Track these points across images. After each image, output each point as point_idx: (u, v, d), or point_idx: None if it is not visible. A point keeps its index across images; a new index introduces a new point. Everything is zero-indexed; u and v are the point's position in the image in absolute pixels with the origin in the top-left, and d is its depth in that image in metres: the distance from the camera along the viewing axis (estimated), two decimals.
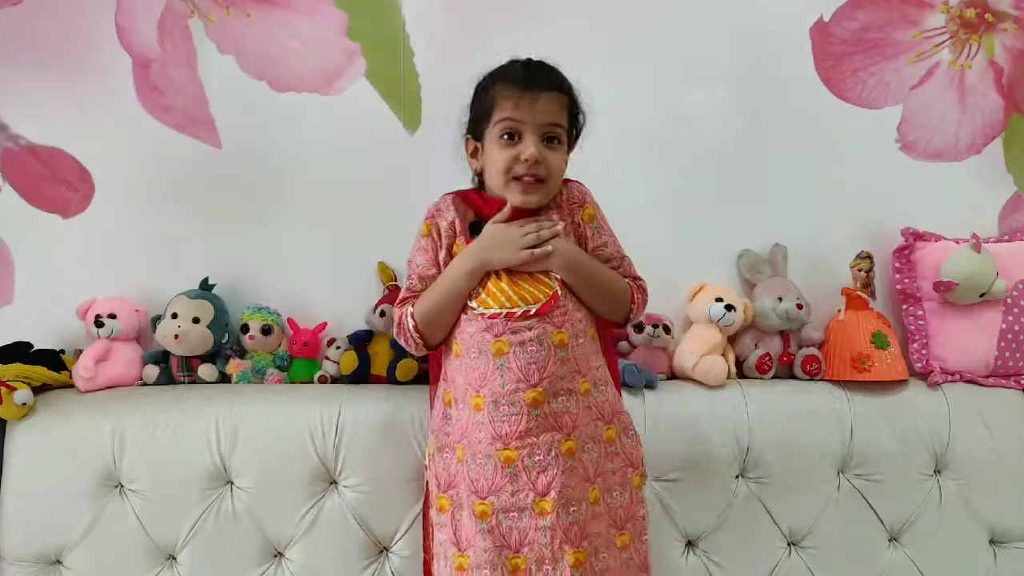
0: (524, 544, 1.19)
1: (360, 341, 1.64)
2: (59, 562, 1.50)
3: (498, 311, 1.21)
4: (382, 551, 1.54)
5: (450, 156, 1.69)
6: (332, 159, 1.70)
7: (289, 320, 1.68)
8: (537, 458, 1.19)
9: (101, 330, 1.59)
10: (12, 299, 1.67)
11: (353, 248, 1.70)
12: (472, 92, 1.30)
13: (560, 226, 1.25)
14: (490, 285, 1.23)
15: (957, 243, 1.73)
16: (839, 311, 1.73)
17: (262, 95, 1.67)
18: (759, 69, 1.76)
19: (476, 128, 1.29)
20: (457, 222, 1.29)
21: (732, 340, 1.72)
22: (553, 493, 1.19)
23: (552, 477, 1.19)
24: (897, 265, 1.77)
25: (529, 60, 1.27)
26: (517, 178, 1.22)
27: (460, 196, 1.33)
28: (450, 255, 1.29)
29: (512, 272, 1.23)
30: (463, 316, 1.25)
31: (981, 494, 1.64)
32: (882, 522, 1.63)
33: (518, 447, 1.19)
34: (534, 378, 1.19)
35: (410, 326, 1.27)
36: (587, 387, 1.24)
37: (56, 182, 1.66)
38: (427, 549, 1.34)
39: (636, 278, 1.34)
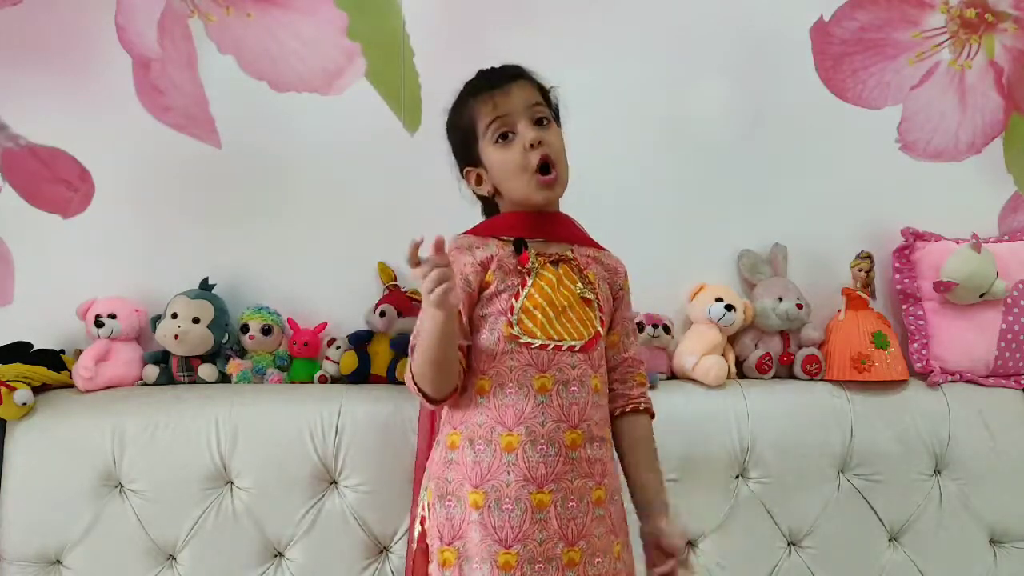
0: None
1: (360, 341, 1.64)
2: (59, 562, 1.50)
3: (545, 342, 1.16)
4: (382, 551, 1.54)
5: (450, 156, 1.69)
6: (332, 159, 1.70)
7: (289, 320, 1.68)
8: (570, 504, 1.14)
9: (101, 330, 1.59)
10: (12, 299, 1.67)
11: (353, 248, 1.70)
12: (448, 131, 1.28)
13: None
14: (538, 315, 1.17)
15: (957, 243, 1.73)
16: (839, 311, 1.73)
17: (262, 95, 1.67)
18: (759, 69, 1.76)
19: (468, 154, 1.25)
20: (485, 255, 1.19)
21: (732, 340, 1.72)
22: (583, 543, 1.13)
23: (582, 526, 1.14)
24: (897, 265, 1.77)
25: (482, 69, 1.27)
26: (538, 172, 1.18)
27: (477, 233, 1.26)
28: (476, 291, 1.19)
29: (560, 301, 1.18)
30: (500, 348, 1.17)
31: (981, 494, 1.64)
32: (882, 522, 1.63)
33: (553, 491, 1.13)
34: (575, 419, 1.15)
35: (413, 387, 1.16)
36: (610, 435, 1.22)
37: (56, 182, 1.66)
38: None
39: (642, 363, 1.31)
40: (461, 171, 1.28)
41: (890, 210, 1.78)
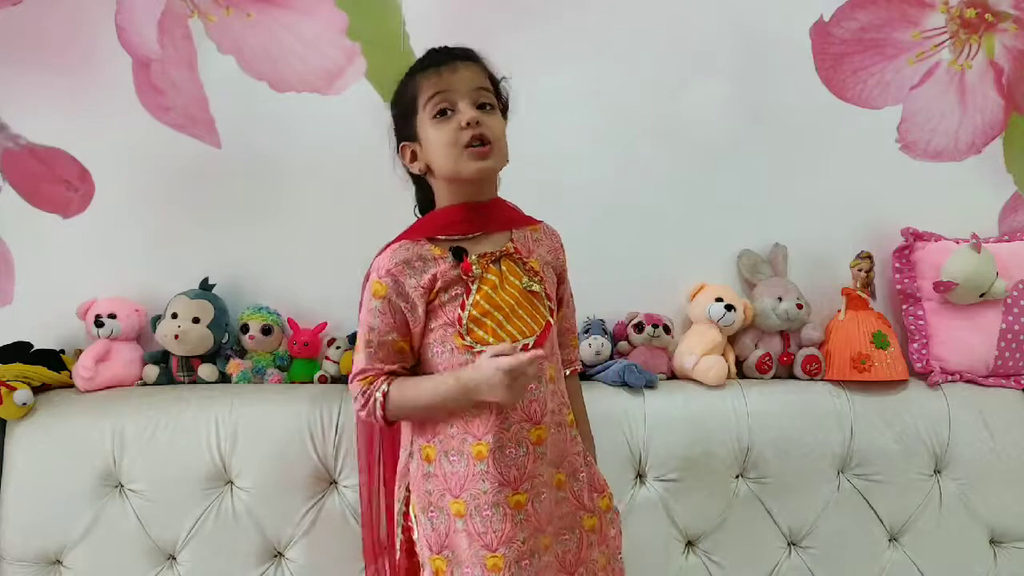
0: None
1: None
2: (59, 562, 1.50)
3: None
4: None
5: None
6: (332, 159, 1.70)
7: (289, 320, 1.68)
8: (542, 496, 1.17)
9: (101, 330, 1.59)
10: (12, 299, 1.67)
11: (353, 248, 1.69)
12: (391, 106, 1.26)
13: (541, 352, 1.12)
14: (488, 321, 1.16)
15: (957, 243, 1.73)
16: (839, 311, 1.73)
17: (262, 95, 1.67)
18: (759, 69, 1.76)
19: (406, 128, 1.22)
20: (427, 276, 1.17)
21: (732, 340, 1.72)
22: (550, 528, 1.18)
23: (550, 512, 1.18)
24: (897, 265, 1.77)
25: (435, 46, 1.23)
26: (467, 146, 1.14)
27: (412, 236, 1.22)
28: (427, 311, 1.17)
29: (508, 300, 1.17)
30: (455, 360, 1.16)
31: (981, 494, 1.64)
32: (882, 522, 1.63)
33: (527, 489, 1.15)
34: (537, 416, 1.16)
35: (378, 413, 1.15)
36: (571, 418, 1.24)
37: (56, 182, 1.66)
38: None
39: (576, 331, 1.39)
40: (398, 146, 1.25)
41: (890, 210, 1.78)
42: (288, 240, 1.70)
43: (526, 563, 1.14)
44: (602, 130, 1.63)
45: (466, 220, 1.20)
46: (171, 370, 1.63)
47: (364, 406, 1.16)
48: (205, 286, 1.66)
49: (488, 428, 1.15)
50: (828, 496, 1.61)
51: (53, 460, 1.50)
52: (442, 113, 1.16)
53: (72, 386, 1.59)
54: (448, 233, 1.20)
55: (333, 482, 1.54)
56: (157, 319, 1.63)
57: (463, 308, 1.16)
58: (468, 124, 1.14)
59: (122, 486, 1.51)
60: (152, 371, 1.62)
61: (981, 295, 1.71)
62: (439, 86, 1.16)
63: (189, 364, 1.62)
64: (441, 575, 1.17)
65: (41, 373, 1.56)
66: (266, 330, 1.64)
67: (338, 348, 1.65)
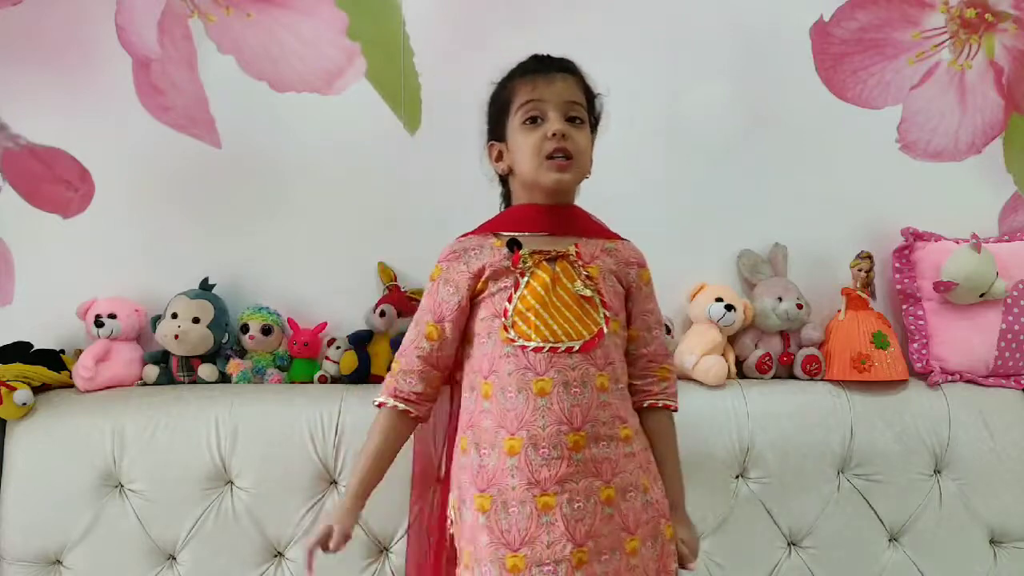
0: None
1: (360, 341, 1.64)
2: (59, 562, 1.50)
3: (540, 344, 1.15)
4: (382, 551, 1.54)
5: (450, 156, 1.69)
6: (332, 159, 1.70)
7: (289, 320, 1.68)
8: (576, 505, 1.12)
9: (101, 330, 1.59)
10: (12, 299, 1.67)
11: (353, 248, 1.71)
12: (488, 102, 1.28)
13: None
14: (532, 317, 1.16)
15: (957, 243, 1.73)
16: (839, 311, 1.73)
17: (262, 95, 1.67)
18: (759, 69, 1.76)
19: (497, 128, 1.26)
20: (478, 265, 1.20)
21: (732, 340, 1.72)
22: (590, 543, 1.12)
23: (589, 526, 1.12)
24: (897, 265, 1.77)
25: (537, 53, 1.26)
26: (549, 157, 1.18)
27: (481, 230, 1.26)
28: (468, 300, 1.21)
29: (556, 301, 1.17)
30: (498, 352, 1.17)
31: (981, 494, 1.64)
32: (882, 522, 1.63)
33: (558, 492, 1.12)
34: (577, 421, 1.14)
35: (386, 400, 1.23)
36: (628, 433, 1.19)
37: (56, 182, 1.66)
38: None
39: (666, 356, 1.29)
40: (487, 144, 1.29)
41: (890, 210, 1.78)
42: (288, 240, 1.70)
43: (549, 568, 1.10)
44: (602, 130, 1.63)
45: (534, 219, 1.23)
46: (171, 370, 1.63)
47: (383, 395, 1.24)
48: (205, 286, 1.66)
49: (523, 424, 1.14)
50: (828, 496, 1.61)
51: (53, 460, 1.50)
52: (532, 120, 1.20)
53: (72, 386, 1.59)
54: (514, 229, 1.23)
55: (333, 482, 1.54)
56: (157, 319, 1.63)
57: (509, 301, 1.18)
58: (554, 135, 1.17)
59: (122, 486, 1.51)
60: (152, 371, 1.62)
61: (981, 295, 1.71)
62: (532, 94, 1.20)
63: (189, 364, 1.62)
64: (468, 569, 1.16)
65: (41, 373, 1.56)
66: (266, 330, 1.64)
67: (338, 348, 1.65)
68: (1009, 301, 1.73)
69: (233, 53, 1.66)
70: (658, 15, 1.73)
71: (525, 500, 1.12)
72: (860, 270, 1.71)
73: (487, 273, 1.20)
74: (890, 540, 1.64)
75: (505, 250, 1.20)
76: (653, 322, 1.27)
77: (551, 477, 1.12)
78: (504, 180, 1.31)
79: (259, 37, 1.66)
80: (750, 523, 1.59)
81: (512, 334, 1.16)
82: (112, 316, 1.60)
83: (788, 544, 1.62)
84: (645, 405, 1.25)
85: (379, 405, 1.25)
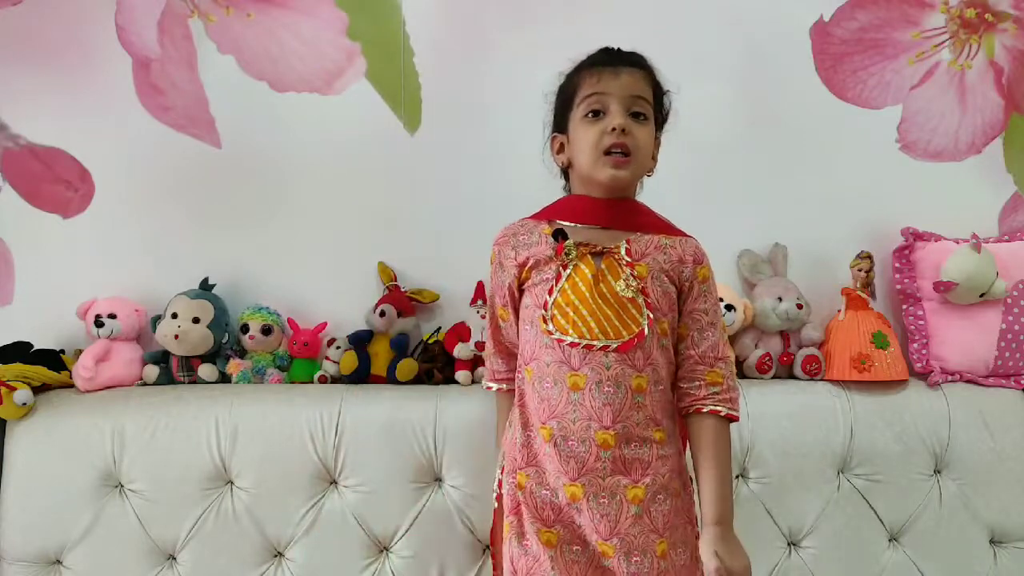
0: None
1: (360, 341, 1.64)
2: (59, 562, 1.50)
3: (576, 340, 1.15)
4: (382, 551, 1.54)
5: (450, 156, 1.69)
6: (332, 159, 1.70)
7: (289, 320, 1.68)
8: (602, 500, 1.13)
9: (101, 330, 1.59)
10: (12, 299, 1.67)
11: (353, 248, 1.71)
12: (555, 93, 1.27)
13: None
14: (571, 312, 1.16)
15: (957, 243, 1.73)
16: (839, 311, 1.73)
17: (262, 95, 1.67)
18: (759, 69, 1.76)
19: (561, 120, 1.25)
20: (524, 253, 1.21)
21: (732, 340, 1.72)
22: (615, 540, 1.13)
23: (615, 523, 1.13)
24: (897, 265, 1.77)
25: (608, 46, 1.25)
26: (607, 152, 1.16)
27: (537, 217, 1.26)
28: (516, 285, 1.23)
29: (598, 299, 1.16)
30: (538, 342, 1.18)
31: (981, 494, 1.64)
32: (882, 522, 1.63)
33: (584, 485, 1.13)
34: (607, 420, 1.13)
35: (487, 379, 1.38)
36: (662, 436, 1.17)
37: (56, 182, 1.66)
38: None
39: (718, 359, 1.21)
40: (551, 135, 1.28)
41: (890, 210, 1.78)
42: (288, 240, 1.70)
43: (577, 548, 1.15)
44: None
45: (588, 210, 1.22)
46: (171, 370, 1.63)
47: (486, 379, 1.39)
48: (205, 286, 1.66)
49: (554, 414, 1.16)
50: (828, 496, 1.61)
51: (53, 460, 1.50)
52: (594, 114, 1.19)
53: (72, 386, 1.59)
54: (568, 219, 1.22)
55: (333, 482, 1.54)
56: (157, 319, 1.63)
57: (550, 293, 1.18)
58: (613, 130, 1.16)
59: (122, 486, 1.51)
60: (152, 371, 1.62)
61: (981, 295, 1.71)
62: (597, 88, 1.19)
63: (189, 364, 1.62)
64: (509, 536, 1.19)
65: (41, 373, 1.56)
66: (266, 330, 1.64)
67: (338, 348, 1.65)
68: (1009, 301, 1.73)
69: (233, 53, 1.66)
70: (658, 15, 1.73)
71: (557, 487, 1.15)
72: (860, 270, 1.71)
73: (531, 262, 1.21)
74: (890, 540, 1.64)
75: (551, 240, 1.19)
76: (706, 322, 1.21)
77: (578, 469, 1.14)
78: (566, 173, 1.29)
79: (259, 37, 1.66)
80: (750, 523, 1.59)
81: (551, 326, 1.17)
82: (112, 316, 1.60)
83: (788, 544, 1.62)
84: (691, 410, 1.20)
85: (487, 388, 1.38)
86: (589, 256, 1.18)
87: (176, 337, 1.59)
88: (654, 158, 1.26)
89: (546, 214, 1.25)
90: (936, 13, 1.76)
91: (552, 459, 1.15)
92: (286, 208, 1.70)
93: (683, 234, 1.25)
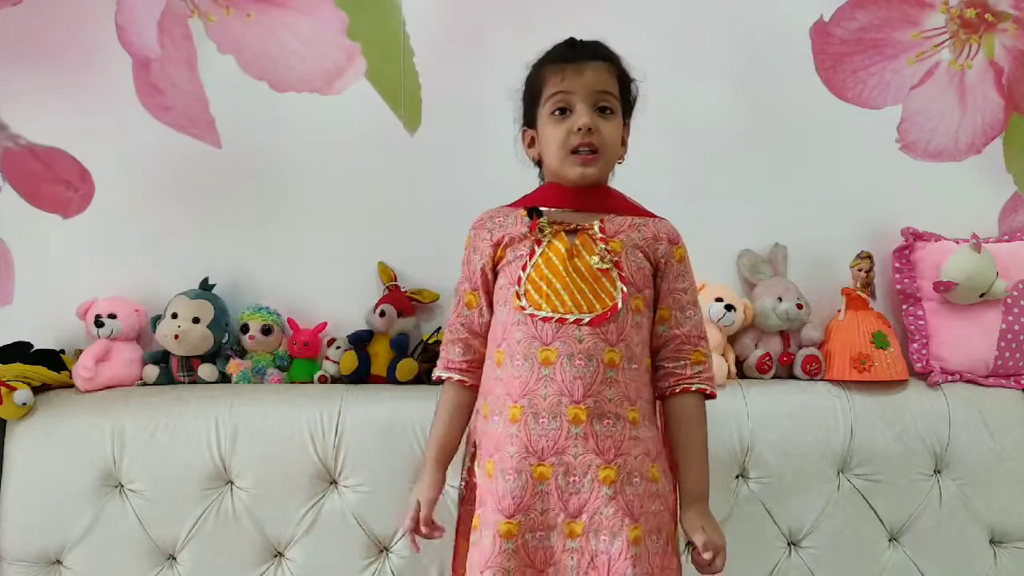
0: (550, 564, 1.11)
1: (360, 341, 1.64)
2: (59, 562, 1.50)
3: (549, 314, 1.15)
4: (382, 551, 1.54)
5: (450, 156, 1.69)
6: (332, 159, 1.70)
7: (289, 320, 1.68)
8: (572, 479, 1.12)
9: (101, 330, 1.59)
10: (12, 299, 1.67)
11: (353, 248, 1.71)
12: (522, 87, 1.28)
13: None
14: (544, 286, 1.16)
15: (957, 243, 1.73)
16: (839, 311, 1.73)
17: (262, 95, 1.67)
18: (759, 69, 1.76)
19: (530, 115, 1.26)
20: (499, 233, 1.22)
21: (732, 340, 1.72)
22: (584, 516, 1.11)
23: (584, 501, 1.11)
24: (897, 265, 1.77)
25: (571, 37, 1.26)
26: (574, 152, 1.18)
27: (513, 205, 1.27)
28: (490, 268, 1.23)
29: (572, 273, 1.16)
30: (511, 320, 1.18)
31: (981, 494, 1.64)
32: (882, 522, 1.63)
33: (554, 464, 1.12)
34: (578, 394, 1.12)
35: (441, 374, 1.27)
36: (636, 416, 1.15)
37: (56, 182, 1.66)
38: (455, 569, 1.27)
39: (701, 338, 1.22)
40: (521, 128, 1.29)
41: (890, 210, 1.78)
42: (288, 240, 1.70)
43: (541, 534, 1.11)
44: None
45: (561, 195, 1.23)
46: (171, 370, 1.63)
47: (438, 369, 1.28)
48: (205, 286, 1.66)
49: (526, 391, 1.14)
50: (828, 496, 1.61)
51: (53, 460, 1.50)
52: (560, 112, 1.19)
53: (72, 386, 1.59)
54: (541, 203, 1.23)
55: (333, 482, 1.54)
56: (157, 319, 1.63)
57: (524, 269, 1.18)
58: (580, 129, 1.17)
59: (122, 486, 1.51)
60: (152, 371, 1.62)
61: (981, 295, 1.71)
62: (561, 86, 1.19)
63: (189, 364, 1.62)
64: (475, 531, 1.16)
65: (41, 373, 1.56)
66: (266, 330, 1.64)
67: (338, 348, 1.65)
68: (1009, 301, 1.73)
69: (233, 53, 1.66)
70: (658, 15, 1.73)
71: (521, 469, 1.12)
72: (860, 270, 1.71)
73: (506, 241, 1.21)
74: (890, 540, 1.64)
75: (527, 219, 1.20)
76: (687, 301, 1.22)
77: (548, 448, 1.12)
78: (537, 165, 1.31)
79: (259, 37, 1.66)
80: (750, 523, 1.59)
81: (524, 302, 1.17)
82: (112, 316, 1.60)
83: (788, 544, 1.62)
84: (678, 390, 1.20)
85: (437, 379, 1.28)
86: (563, 233, 1.19)
87: (176, 337, 1.59)
88: (624, 144, 1.27)
89: (522, 202, 1.26)
90: (936, 13, 1.76)
91: (518, 440, 1.13)
92: (286, 208, 1.70)
93: (654, 215, 1.27)
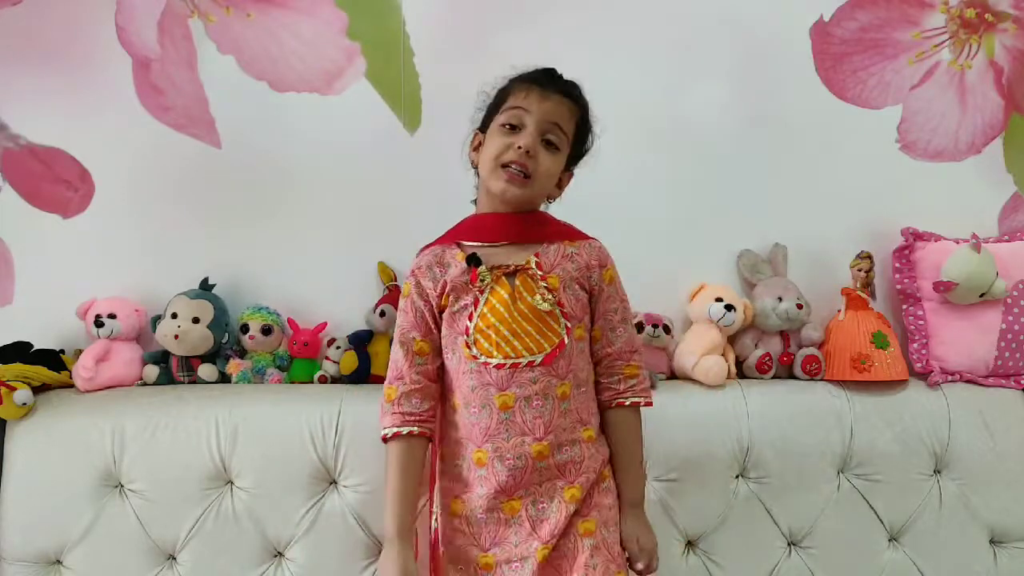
0: None
1: (360, 341, 1.64)
2: (59, 562, 1.50)
3: (503, 361, 1.18)
4: (382, 551, 1.54)
5: (450, 156, 1.69)
6: (332, 159, 1.70)
7: (289, 320, 1.68)
8: (540, 506, 1.19)
9: (101, 330, 1.59)
10: (12, 299, 1.67)
11: (353, 248, 1.71)
12: (490, 95, 1.30)
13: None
14: (492, 334, 1.19)
15: (957, 243, 1.73)
16: (839, 311, 1.73)
17: (262, 95, 1.67)
18: (759, 69, 1.76)
19: (485, 121, 1.28)
20: (441, 281, 1.23)
21: (732, 340, 1.72)
22: (553, 541, 1.18)
23: (555, 525, 1.18)
24: (897, 265, 1.77)
25: (553, 69, 1.27)
26: (505, 166, 1.19)
27: (444, 240, 1.28)
28: (437, 314, 1.25)
29: (517, 316, 1.19)
30: (462, 368, 1.21)
31: (981, 494, 1.64)
32: (882, 522, 1.63)
33: (522, 496, 1.18)
34: (539, 432, 1.18)
35: (382, 437, 1.25)
36: (591, 434, 1.24)
37: (56, 182, 1.66)
38: None
39: (633, 352, 1.29)
40: (474, 131, 1.31)
41: (890, 210, 1.78)
42: (288, 240, 1.70)
43: (516, 565, 1.18)
44: (601, 130, 1.63)
45: (493, 229, 1.24)
46: (171, 370, 1.63)
47: (382, 421, 1.25)
48: (205, 286, 1.66)
49: (488, 436, 1.18)
50: (828, 496, 1.61)
51: (53, 460, 1.50)
52: (511, 127, 1.21)
53: (72, 386, 1.59)
54: (475, 239, 1.24)
55: (333, 482, 1.54)
56: (157, 319, 1.63)
57: (470, 319, 1.20)
58: (520, 147, 1.18)
59: (122, 486, 1.51)
60: (152, 371, 1.62)
61: (981, 295, 1.71)
62: (522, 103, 1.21)
63: (189, 364, 1.62)
64: (450, 564, 1.22)
65: (41, 373, 1.56)
66: (266, 330, 1.64)
67: (338, 348, 1.65)
68: (1009, 301, 1.73)
69: (233, 53, 1.66)
70: (658, 15, 1.73)
71: (494, 507, 1.19)
72: (860, 270, 1.71)
73: (448, 289, 1.22)
74: (890, 540, 1.64)
75: (465, 265, 1.21)
76: (617, 321, 1.28)
77: (516, 484, 1.18)
78: (475, 167, 1.33)
79: (259, 37, 1.66)
80: (750, 523, 1.59)
81: (475, 351, 1.19)
82: (112, 316, 1.60)
83: (788, 544, 1.62)
84: (613, 404, 1.28)
85: (391, 438, 1.24)
86: (503, 277, 1.21)
87: (176, 337, 1.59)
88: (560, 187, 1.29)
89: (454, 235, 1.27)
90: (936, 13, 1.76)
91: (488, 482, 1.19)
92: (286, 208, 1.70)
93: (585, 237, 1.29)
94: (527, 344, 1.19)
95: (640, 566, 1.25)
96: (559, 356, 1.20)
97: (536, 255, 1.23)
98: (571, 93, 1.25)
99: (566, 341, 1.20)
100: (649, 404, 1.30)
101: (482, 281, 1.20)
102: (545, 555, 1.17)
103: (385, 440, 1.25)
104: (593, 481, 1.23)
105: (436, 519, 1.28)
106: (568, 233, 1.28)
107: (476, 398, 1.19)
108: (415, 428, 1.23)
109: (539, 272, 1.21)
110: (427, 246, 1.30)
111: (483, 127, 1.29)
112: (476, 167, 1.30)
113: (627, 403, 1.27)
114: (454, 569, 1.22)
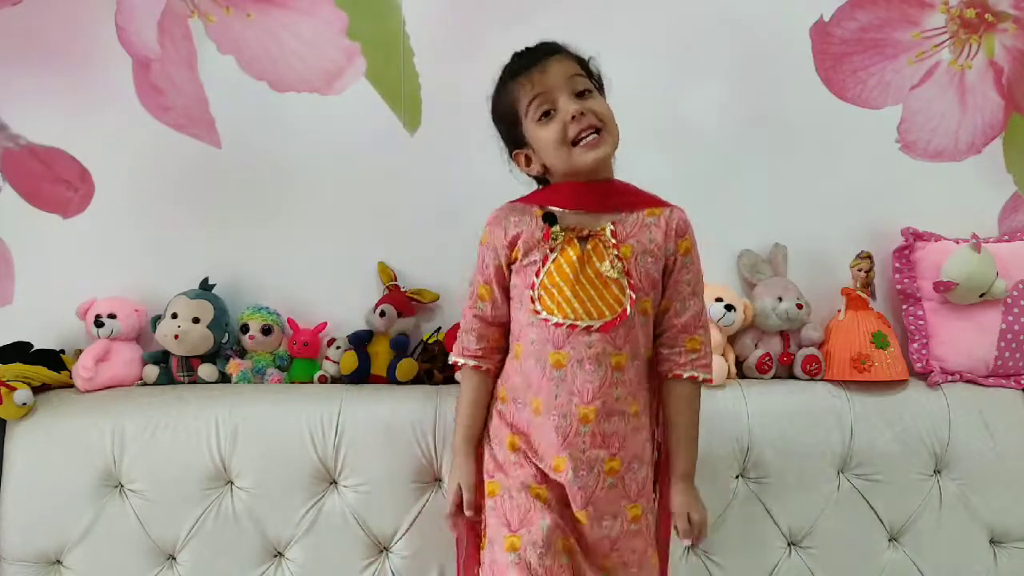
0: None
1: (360, 341, 1.64)
2: (59, 562, 1.50)
3: (561, 321, 1.19)
4: (382, 551, 1.54)
5: (450, 156, 1.69)
6: (332, 159, 1.70)
7: (289, 320, 1.68)
8: (581, 473, 1.19)
9: (101, 330, 1.59)
10: (12, 299, 1.67)
11: (353, 248, 1.71)
12: (493, 118, 1.29)
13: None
14: (556, 293, 1.20)
15: (957, 243, 1.73)
16: (839, 311, 1.73)
17: (262, 95, 1.67)
18: (759, 69, 1.76)
19: (514, 135, 1.26)
20: (514, 233, 1.24)
21: (732, 340, 1.72)
22: (591, 508, 1.20)
23: (590, 493, 1.20)
24: (897, 265, 1.77)
25: (519, 49, 1.27)
26: (575, 142, 1.19)
27: (527, 200, 1.28)
28: (504, 265, 1.26)
29: (583, 280, 1.19)
30: (526, 320, 1.23)
31: (981, 494, 1.64)
32: (882, 522, 1.63)
33: (568, 457, 1.19)
34: (587, 396, 1.19)
35: (458, 359, 1.32)
36: (637, 409, 1.23)
37: (56, 182, 1.66)
38: (472, 540, 1.32)
39: (699, 327, 1.27)
40: (510, 155, 1.29)
41: (890, 210, 1.78)
42: (288, 240, 1.70)
43: (566, 510, 1.21)
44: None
45: (575, 196, 1.23)
46: (171, 370, 1.63)
47: (454, 355, 1.33)
48: (205, 286, 1.66)
49: (539, 390, 1.21)
50: (828, 496, 1.61)
51: (53, 460, 1.50)
52: (546, 114, 1.20)
53: (72, 386, 1.59)
54: (554, 203, 1.24)
55: (333, 482, 1.54)
56: (157, 319, 1.63)
57: (537, 275, 1.21)
58: (574, 117, 1.18)
59: (122, 486, 1.51)
60: (152, 371, 1.63)
61: (981, 295, 1.71)
62: (535, 89, 1.20)
63: (189, 364, 1.62)
64: (493, 497, 1.25)
65: (41, 373, 1.56)
66: (266, 330, 1.64)
67: (338, 348, 1.65)
68: (1009, 301, 1.73)
69: (233, 53, 1.66)
70: (658, 15, 1.73)
71: (545, 455, 1.22)
72: (860, 270, 1.71)
73: (520, 241, 1.23)
74: (890, 540, 1.64)
75: (542, 222, 1.22)
76: (688, 292, 1.27)
77: (560, 443, 1.19)
78: (540, 180, 1.31)
79: (259, 37, 1.66)
80: (750, 523, 1.59)
81: (538, 306, 1.21)
82: (112, 316, 1.60)
83: (788, 544, 1.62)
84: (671, 375, 1.27)
85: (453, 364, 1.34)
86: (576, 240, 1.21)
87: (176, 337, 1.59)
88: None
89: (536, 198, 1.27)
90: (936, 13, 1.76)
91: (540, 429, 1.21)
92: (286, 208, 1.70)
93: (666, 204, 1.28)
94: (588, 308, 1.19)
95: (688, 541, 1.28)
96: (619, 325, 1.19)
97: (614, 223, 1.22)
98: (552, 49, 1.25)
99: (628, 311, 1.20)
100: (709, 381, 1.29)
101: (555, 239, 1.20)
102: (580, 518, 1.21)
103: (452, 365, 1.35)
104: (637, 460, 1.24)
105: (486, 450, 1.30)
106: (649, 201, 1.27)
107: (534, 351, 1.21)
108: (471, 361, 1.30)
109: (612, 240, 1.21)
110: (509, 203, 1.30)
111: (517, 144, 1.27)
112: (542, 175, 1.28)
113: (684, 376, 1.26)
114: (508, 495, 1.23)
